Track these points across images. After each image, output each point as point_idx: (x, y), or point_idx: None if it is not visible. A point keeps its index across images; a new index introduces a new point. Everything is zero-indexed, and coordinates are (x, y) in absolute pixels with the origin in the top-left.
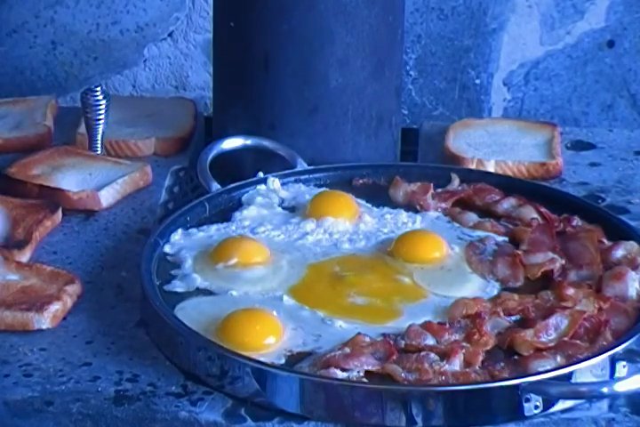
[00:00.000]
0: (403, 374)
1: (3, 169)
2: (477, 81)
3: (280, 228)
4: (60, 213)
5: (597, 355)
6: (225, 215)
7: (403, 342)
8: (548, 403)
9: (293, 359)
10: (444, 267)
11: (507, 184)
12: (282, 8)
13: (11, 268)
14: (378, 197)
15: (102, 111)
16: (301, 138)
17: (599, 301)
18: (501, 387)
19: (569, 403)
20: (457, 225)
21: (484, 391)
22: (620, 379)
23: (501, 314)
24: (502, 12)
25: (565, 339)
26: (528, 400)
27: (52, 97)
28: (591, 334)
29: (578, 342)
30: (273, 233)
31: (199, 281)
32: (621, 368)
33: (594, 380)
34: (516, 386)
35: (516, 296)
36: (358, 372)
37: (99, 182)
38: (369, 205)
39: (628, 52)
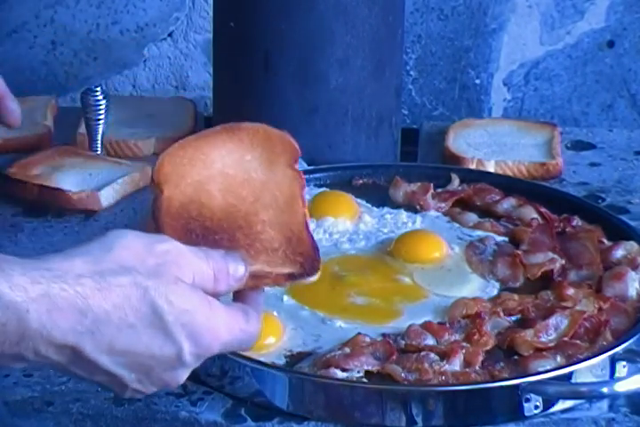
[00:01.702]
0: (403, 374)
1: (3, 169)
2: (477, 81)
3: None
4: None
5: (597, 355)
6: None
7: (403, 342)
8: (548, 403)
9: (293, 359)
10: (444, 267)
11: (507, 184)
12: (282, 8)
13: None
14: (378, 197)
15: (102, 111)
16: (301, 138)
17: (599, 301)
18: (501, 387)
19: (569, 403)
20: (457, 225)
21: (483, 391)
22: (619, 379)
23: (501, 314)
24: (502, 12)
25: (565, 339)
26: (528, 400)
27: (51, 97)
28: (591, 334)
29: (578, 342)
30: None
31: None
32: (621, 368)
33: (594, 380)
34: (516, 386)
35: (515, 296)
36: (358, 372)
37: (99, 182)
38: (369, 205)
39: (628, 52)
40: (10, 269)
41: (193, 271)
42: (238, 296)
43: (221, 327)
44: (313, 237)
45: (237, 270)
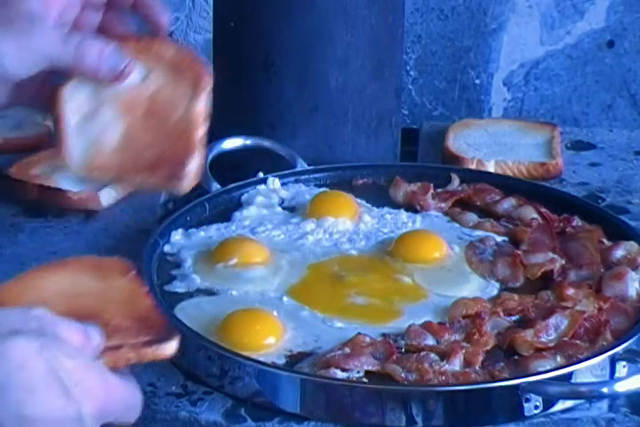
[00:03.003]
0: (403, 374)
1: (3, 169)
2: (477, 81)
3: (280, 228)
4: None
5: (597, 355)
6: (225, 215)
7: (403, 342)
8: (548, 403)
9: (293, 359)
10: (443, 267)
11: (507, 184)
12: (282, 8)
13: None
14: (378, 197)
15: None
16: (301, 138)
17: (599, 301)
18: (501, 387)
19: (569, 403)
20: (457, 225)
21: (484, 391)
22: (619, 379)
23: (501, 314)
24: (502, 12)
25: (565, 339)
26: (528, 400)
27: None
28: (591, 334)
29: (578, 342)
30: (273, 233)
31: (199, 281)
32: (621, 368)
33: (594, 380)
34: (516, 386)
35: (515, 296)
36: (358, 372)
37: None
38: (369, 205)
39: (628, 52)
40: None
41: (65, 333)
42: None
43: (114, 386)
44: (162, 313)
45: (95, 337)
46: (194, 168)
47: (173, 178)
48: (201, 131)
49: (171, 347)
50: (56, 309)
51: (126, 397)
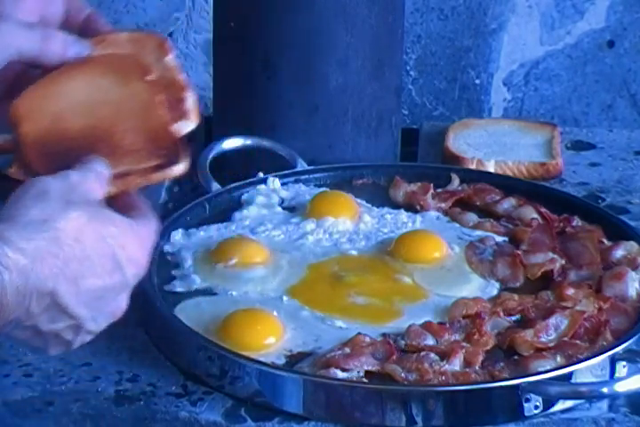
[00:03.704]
0: (403, 374)
1: (3, 169)
2: (477, 81)
3: (280, 228)
4: None
5: (597, 355)
6: (225, 215)
7: (403, 342)
8: (548, 403)
9: (293, 359)
10: (443, 267)
11: (507, 184)
12: (282, 8)
13: None
14: (378, 197)
15: None
16: (301, 138)
17: (599, 301)
18: (501, 387)
19: (569, 403)
20: (457, 225)
21: (484, 391)
22: (619, 379)
23: (501, 314)
24: (502, 12)
25: (565, 339)
26: (528, 400)
27: None
28: (591, 334)
29: (578, 342)
30: (273, 233)
31: (199, 281)
32: (621, 368)
33: (594, 380)
34: (516, 386)
35: (515, 296)
36: (358, 372)
37: None
38: (369, 205)
39: (628, 52)
40: (8, 235)
41: (95, 191)
42: (120, 207)
43: (145, 239)
44: (175, 133)
45: (102, 172)
46: (193, 102)
47: (177, 118)
48: (183, 75)
49: (179, 168)
50: (75, 125)
51: (153, 239)
